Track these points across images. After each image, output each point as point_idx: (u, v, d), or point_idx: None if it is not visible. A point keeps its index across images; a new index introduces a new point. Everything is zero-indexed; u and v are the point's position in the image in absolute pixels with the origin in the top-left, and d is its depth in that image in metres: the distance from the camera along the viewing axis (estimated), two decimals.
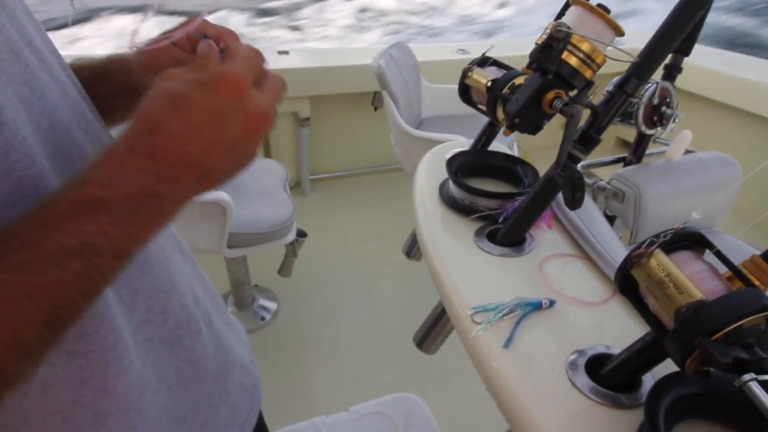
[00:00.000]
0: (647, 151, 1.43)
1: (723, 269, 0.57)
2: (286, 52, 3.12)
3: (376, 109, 3.19)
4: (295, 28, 10.76)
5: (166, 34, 0.57)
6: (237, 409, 0.70)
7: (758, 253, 0.56)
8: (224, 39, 0.52)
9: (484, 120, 1.07)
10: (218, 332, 0.69)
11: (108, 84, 0.61)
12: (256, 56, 0.49)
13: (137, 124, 0.42)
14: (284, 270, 2.29)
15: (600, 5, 0.74)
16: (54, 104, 0.48)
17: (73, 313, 0.39)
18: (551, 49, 0.74)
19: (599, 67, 0.76)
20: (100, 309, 0.48)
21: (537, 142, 2.21)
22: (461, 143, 1.26)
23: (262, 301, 2.41)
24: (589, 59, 0.74)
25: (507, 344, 0.71)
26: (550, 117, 0.80)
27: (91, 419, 0.50)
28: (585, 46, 0.73)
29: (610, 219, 1.38)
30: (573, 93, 0.80)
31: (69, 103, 0.51)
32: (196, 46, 0.53)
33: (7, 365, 0.35)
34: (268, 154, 3.25)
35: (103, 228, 0.39)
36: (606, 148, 3.59)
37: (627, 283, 0.60)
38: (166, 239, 0.62)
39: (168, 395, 0.59)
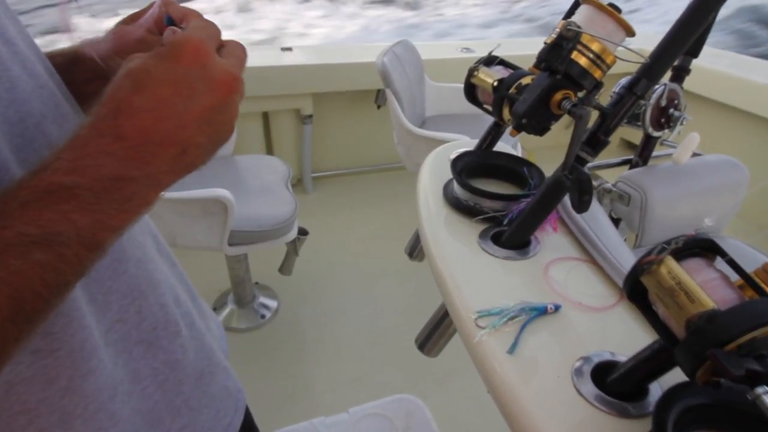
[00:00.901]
0: (653, 154, 1.41)
1: (734, 276, 0.56)
2: (289, 49, 3.11)
3: (379, 107, 3.17)
4: (411, 6, 11.12)
5: (133, 17, 0.56)
6: (220, 413, 0.68)
7: (765, 258, 0.55)
8: (187, 18, 0.51)
9: (488, 119, 1.06)
10: (200, 333, 0.67)
11: (80, 69, 0.59)
12: (212, 25, 0.47)
13: (102, 107, 0.40)
14: (285, 268, 2.28)
15: (611, 4, 0.72)
16: (25, 97, 0.47)
17: (41, 307, 0.37)
18: (560, 48, 0.73)
19: (609, 67, 0.74)
20: (67, 307, 0.46)
21: (541, 141, 2.19)
22: (466, 143, 1.24)
23: (263, 299, 2.40)
24: (599, 59, 0.72)
25: (512, 350, 0.70)
26: (558, 118, 0.78)
27: (58, 420, 0.49)
28: (595, 46, 0.72)
29: (615, 221, 1.36)
30: (581, 94, 0.78)
31: (43, 96, 0.49)
32: (161, 27, 0.52)
33: None
34: (270, 151, 3.24)
35: (69, 216, 0.37)
36: (610, 150, 3.55)
37: (636, 289, 0.59)
38: (144, 237, 0.61)
39: (143, 397, 0.57)
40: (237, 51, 0.47)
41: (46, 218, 0.36)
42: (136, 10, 0.55)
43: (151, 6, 0.54)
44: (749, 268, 0.56)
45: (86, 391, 0.50)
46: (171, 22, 0.52)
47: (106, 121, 0.40)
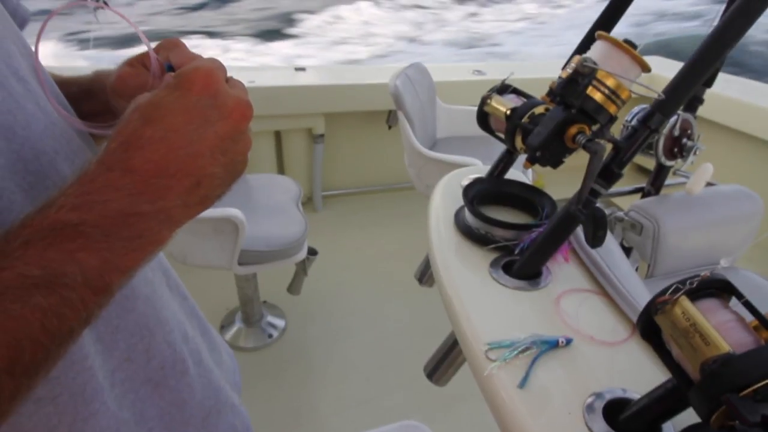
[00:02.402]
0: (666, 182, 1.41)
1: (748, 315, 0.55)
2: (303, 69, 3.14)
3: (390, 127, 3.19)
4: None
5: (138, 59, 0.55)
6: None
7: None
8: (188, 63, 0.49)
9: (499, 143, 1.06)
10: (208, 370, 0.65)
11: (92, 101, 0.59)
12: (217, 60, 0.46)
13: (111, 142, 0.39)
14: (294, 287, 2.27)
15: (626, 40, 0.73)
16: (39, 134, 0.46)
17: (40, 358, 0.34)
18: (576, 84, 0.73)
19: (624, 103, 0.75)
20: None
21: None
22: (479, 169, 1.24)
23: (270, 319, 2.40)
24: (614, 95, 0.73)
25: (522, 384, 0.69)
26: (572, 151, 0.78)
27: None
28: (610, 82, 0.72)
29: (627, 250, 1.36)
30: (596, 126, 0.79)
31: (56, 133, 0.48)
32: (164, 72, 0.52)
33: None
34: (281, 170, 3.26)
35: (74, 255, 0.35)
36: None
37: (649, 329, 0.58)
38: (153, 273, 0.59)
39: None
40: (240, 84, 0.47)
41: (50, 258, 0.34)
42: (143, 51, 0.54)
43: (157, 48, 0.53)
44: (763, 302, 0.56)
45: None
46: (171, 68, 0.51)
47: (115, 155, 0.38)
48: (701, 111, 1.27)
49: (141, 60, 0.55)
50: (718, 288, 0.57)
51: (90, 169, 0.38)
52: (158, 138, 0.39)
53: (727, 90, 3.00)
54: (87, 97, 0.59)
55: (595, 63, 0.71)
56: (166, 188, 0.39)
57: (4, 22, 0.50)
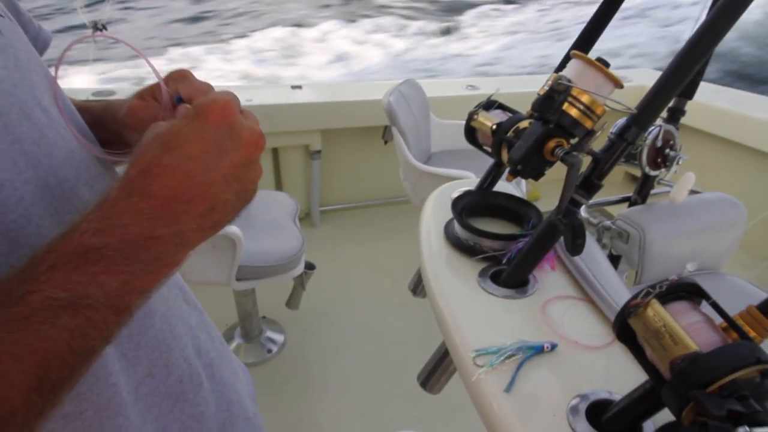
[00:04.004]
0: (652, 191, 1.44)
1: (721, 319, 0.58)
2: (299, 87, 3.19)
3: (386, 142, 3.23)
4: None
5: (148, 91, 0.56)
6: None
7: (763, 295, 0.57)
8: (197, 96, 0.52)
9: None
10: (221, 384, 0.67)
11: (103, 130, 0.61)
12: (231, 92, 0.48)
13: (130, 169, 0.41)
14: (292, 302, 2.29)
15: (599, 59, 0.76)
16: (61, 162, 0.48)
17: (66, 376, 0.36)
18: (552, 100, 0.77)
19: (599, 117, 0.78)
20: (94, 365, 0.42)
21: (546, 175, 2.21)
22: (470, 182, 1.28)
23: (270, 333, 2.42)
24: (589, 110, 0.76)
25: (508, 388, 0.72)
26: (551, 164, 0.82)
27: None
28: (585, 98, 0.76)
29: (616, 258, 1.39)
30: (575, 140, 0.82)
31: (75, 159, 0.51)
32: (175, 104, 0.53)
33: None
34: (279, 186, 3.30)
35: (97, 278, 0.37)
36: (615, 183, 3.60)
37: (625, 331, 0.61)
38: (169, 291, 0.61)
39: None
40: (252, 115, 0.49)
41: (74, 281, 0.36)
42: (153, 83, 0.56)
43: (166, 79, 0.54)
44: (745, 305, 0.58)
45: None
46: (180, 100, 0.53)
47: (134, 181, 0.41)
48: (691, 121, 1.31)
49: (151, 92, 0.57)
50: (688, 291, 0.60)
51: (111, 194, 0.40)
52: (176, 165, 0.41)
53: (716, 100, 3.05)
54: (98, 126, 0.61)
55: (569, 81, 0.75)
56: (182, 213, 0.41)
57: (29, 54, 0.52)
